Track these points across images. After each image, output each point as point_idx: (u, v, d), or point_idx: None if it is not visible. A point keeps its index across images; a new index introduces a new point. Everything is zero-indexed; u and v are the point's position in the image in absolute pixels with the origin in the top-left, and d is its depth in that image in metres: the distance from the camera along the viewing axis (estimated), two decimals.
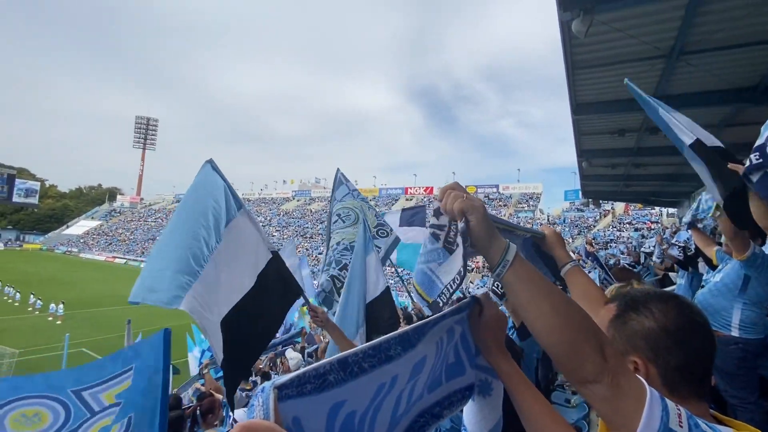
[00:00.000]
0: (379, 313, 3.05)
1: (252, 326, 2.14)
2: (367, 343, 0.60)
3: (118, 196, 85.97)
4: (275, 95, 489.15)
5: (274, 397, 0.44)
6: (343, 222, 3.98)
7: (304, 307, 2.39)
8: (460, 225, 0.70)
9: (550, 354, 0.67)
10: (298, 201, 61.80)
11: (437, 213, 0.77)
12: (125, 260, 49.50)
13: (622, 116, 6.51)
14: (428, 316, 0.70)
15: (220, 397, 4.00)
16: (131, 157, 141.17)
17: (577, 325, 0.64)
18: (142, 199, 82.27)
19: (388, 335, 0.64)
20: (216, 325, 1.86)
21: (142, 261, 47.26)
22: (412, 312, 8.00)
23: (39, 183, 77.05)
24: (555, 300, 0.66)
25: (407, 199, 53.64)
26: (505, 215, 39.13)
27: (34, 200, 72.62)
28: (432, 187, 54.02)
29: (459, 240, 0.73)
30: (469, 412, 0.88)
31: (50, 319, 18.79)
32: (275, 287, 2.24)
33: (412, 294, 4.75)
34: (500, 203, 46.35)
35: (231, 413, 3.07)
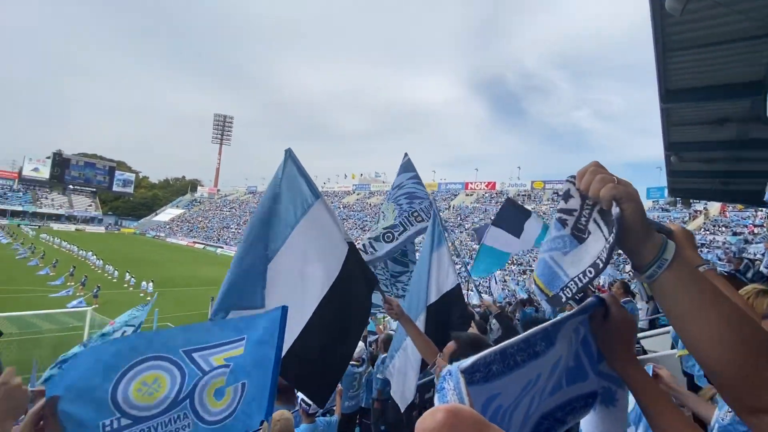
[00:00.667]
0: (450, 308, 2.91)
1: (343, 317, 2.12)
2: (518, 336, 0.59)
3: (199, 188, 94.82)
4: (340, 91, 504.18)
5: (464, 382, 0.44)
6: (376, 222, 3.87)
7: None
8: (615, 211, 0.58)
9: (711, 374, 0.57)
10: (358, 195, 63.74)
11: (566, 196, 0.67)
12: (204, 245, 54.60)
13: (723, 104, 5.66)
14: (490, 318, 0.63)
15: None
16: (210, 152, 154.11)
17: (754, 342, 0.53)
18: (218, 190, 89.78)
19: (531, 330, 0.60)
20: (299, 316, 1.93)
21: (217, 247, 51.86)
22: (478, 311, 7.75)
23: (134, 175, 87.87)
24: (726, 309, 0.54)
25: (467, 195, 52.35)
26: None
27: (130, 190, 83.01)
28: (494, 182, 52.05)
29: (594, 227, 0.63)
30: (589, 423, 0.79)
31: (142, 295, 21.32)
32: (358, 277, 2.19)
33: (530, 287, 4.48)
34: None
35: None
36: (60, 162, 72.61)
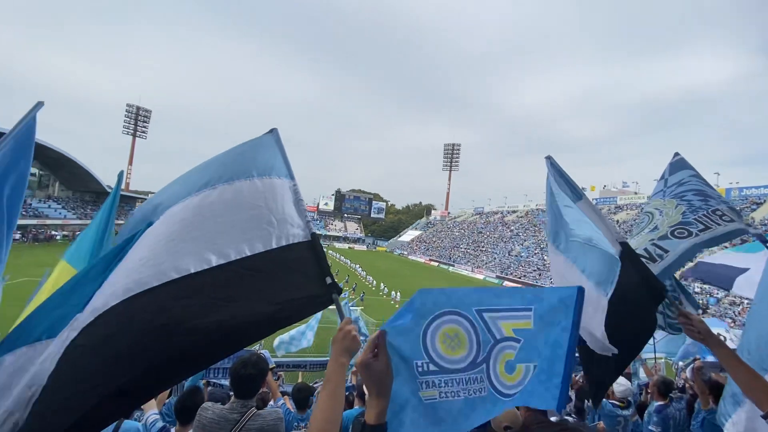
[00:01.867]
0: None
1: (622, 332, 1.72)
2: None
3: (432, 211, 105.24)
4: (562, 99, 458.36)
5: None
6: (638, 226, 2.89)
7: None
8: None
9: None
10: (601, 209, 53.99)
11: None
12: (438, 263, 59.88)
13: None
14: None
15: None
16: (441, 179, 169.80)
17: None
18: (449, 213, 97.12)
19: None
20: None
21: (449, 264, 55.48)
22: None
23: (385, 203, 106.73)
24: None
25: None
26: None
27: (382, 216, 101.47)
28: None
29: None
30: None
31: (392, 302, 24.98)
32: (638, 285, 1.83)
33: None
34: None
35: None
36: (339, 197, 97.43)
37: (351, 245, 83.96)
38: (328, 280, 1.38)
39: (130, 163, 77.66)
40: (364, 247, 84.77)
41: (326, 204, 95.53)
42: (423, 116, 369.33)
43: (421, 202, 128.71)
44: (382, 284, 30.58)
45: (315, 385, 4.46)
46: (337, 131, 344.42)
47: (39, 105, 2.01)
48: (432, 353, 1.20)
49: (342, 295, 1.45)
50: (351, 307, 19.01)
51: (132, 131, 78.21)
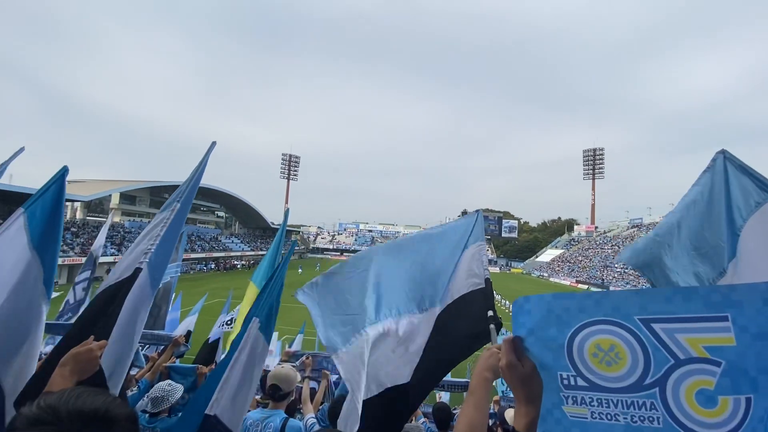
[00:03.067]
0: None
1: None
2: None
3: (575, 227, 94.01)
4: (735, 79, 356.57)
5: None
6: None
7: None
8: None
9: None
10: None
11: None
12: (587, 285, 52.16)
13: None
14: None
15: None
16: (582, 190, 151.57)
17: None
18: (596, 227, 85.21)
19: None
20: None
21: (602, 287, 47.85)
22: None
23: (516, 221, 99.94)
24: None
25: None
26: None
27: (515, 234, 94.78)
28: None
29: None
30: None
31: None
32: None
33: None
34: None
35: None
36: None
37: None
38: (490, 313, 1.67)
39: (287, 201, 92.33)
40: (496, 269, 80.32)
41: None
42: (551, 123, 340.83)
43: (560, 218, 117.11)
44: None
45: (454, 411, 4.31)
46: (456, 150, 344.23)
47: (213, 144, 2.72)
48: (580, 366, 1.02)
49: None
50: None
51: (286, 175, 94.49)
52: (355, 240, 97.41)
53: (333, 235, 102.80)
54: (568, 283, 57.73)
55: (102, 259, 30.06)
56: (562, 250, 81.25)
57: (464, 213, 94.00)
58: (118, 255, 34.56)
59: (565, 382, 1.02)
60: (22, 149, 2.63)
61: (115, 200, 47.69)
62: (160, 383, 3.21)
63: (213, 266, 49.44)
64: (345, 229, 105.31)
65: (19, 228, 1.99)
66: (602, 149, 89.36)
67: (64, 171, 2.30)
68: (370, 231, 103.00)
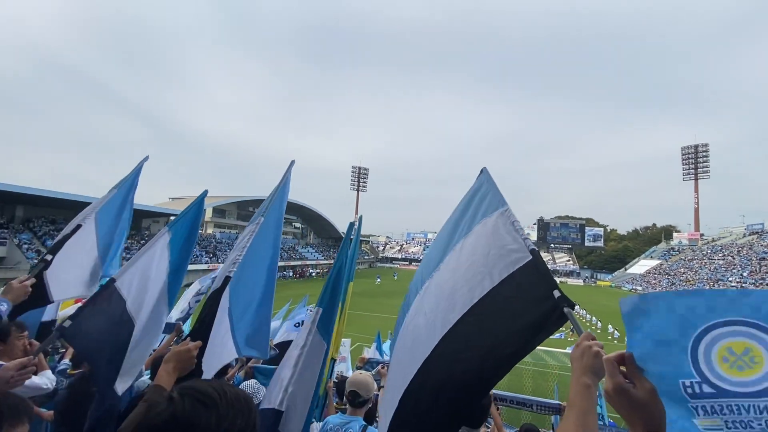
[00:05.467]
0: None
1: None
2: None
3: (675, 234, 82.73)
4: None
5: None
6: None
7: None
8: None
9: None
10: None
11: None
12: None
13: None
14: None
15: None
16: (682, 192, 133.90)
17: None
18: (702, 234, 74.26)
19: None
20: None
21: None
22: None
23: (602, 229, 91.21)
24: None
25: None
26: None
27: (600, 243, 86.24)
28: None
29: None
30: None
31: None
32: None
33: None
34: None
35: None
36: (542, 226, 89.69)
37: (562, 279, 74.24)
38: (556, 294, 1.35)
39: (356, 212, 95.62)
40: (579, 282, 73.75)
41: (528, 234, 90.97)
42: (639, 120, 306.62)
43: (654, 224, 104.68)
44: (609, 326, 25.31)
45: None
46: (530, 155, 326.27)
47: (292, 163, 2.86)
48: (706, 372, 0.92)
49: (559, 336, 1.49)
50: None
51: (356, 187, 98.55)
52: (424, 249, 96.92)
53: (401, 245, 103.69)
54: None
55: (196, 267, 34.24)
56: (659, 261, 72.10)
57: (541, 221, 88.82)
58: (211, 263, 38.55)
59: (689, 390, 0.91)
60: (146, 158, 3.09)
61: (208, 214, 53.49)
62: (249, 381, 3.43)
63: (291, 274, 52.75)
64: (413, 239, 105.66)
65: (163, 247, 2.36)
66: (706, 145, 77.81)
67: (204, 194, 2.67)
68: None
